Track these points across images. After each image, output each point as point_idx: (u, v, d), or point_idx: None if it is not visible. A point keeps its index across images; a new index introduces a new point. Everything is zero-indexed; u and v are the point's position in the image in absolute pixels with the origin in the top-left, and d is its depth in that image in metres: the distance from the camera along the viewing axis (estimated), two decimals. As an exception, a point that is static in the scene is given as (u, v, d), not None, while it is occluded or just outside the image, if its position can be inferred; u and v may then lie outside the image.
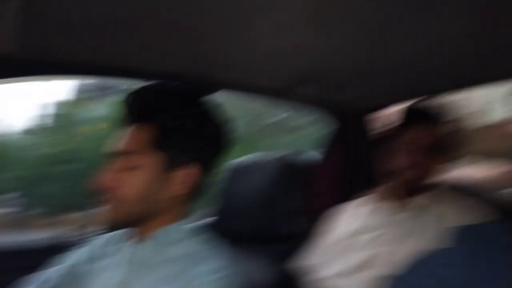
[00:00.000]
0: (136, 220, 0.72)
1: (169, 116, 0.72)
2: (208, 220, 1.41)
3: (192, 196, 0.74)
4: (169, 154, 0.71)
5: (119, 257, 0.75)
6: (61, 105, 4.00)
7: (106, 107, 3.68)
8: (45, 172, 3.48)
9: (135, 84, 0.79)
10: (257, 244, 1.07)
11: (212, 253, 0.70)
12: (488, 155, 2.46)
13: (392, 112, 1.31)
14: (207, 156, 0.74)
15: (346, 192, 1.19)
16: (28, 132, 3.78)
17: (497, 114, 3.44)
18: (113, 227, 0.76)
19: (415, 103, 1.11)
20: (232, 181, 1.16)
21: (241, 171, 1.14)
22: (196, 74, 1.05)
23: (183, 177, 0.71)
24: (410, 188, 1.01)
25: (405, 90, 1.26)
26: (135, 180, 0.69)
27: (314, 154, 1.41)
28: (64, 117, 3.86)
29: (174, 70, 1.03)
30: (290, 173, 1.08)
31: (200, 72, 1.05)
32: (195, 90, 0.78)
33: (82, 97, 4.21)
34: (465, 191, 1.05)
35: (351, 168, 1.40)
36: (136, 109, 0.74)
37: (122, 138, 0.73)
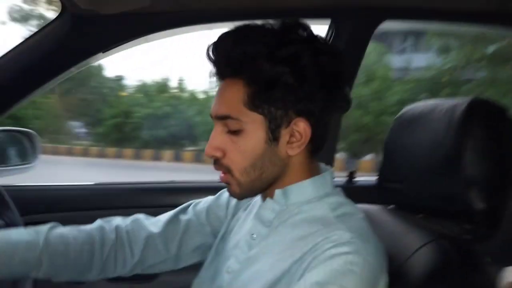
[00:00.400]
0: (258, 188, 0.67)
1: (261, 64, 0.60)
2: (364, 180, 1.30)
3: (312, 151, 0.66)
4: (269, 111, 0.62)
5: (249, 212, 0.74)
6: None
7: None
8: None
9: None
10: (430, 219, 0.81)
11: (340, 222, 0.61)
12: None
13: None
14: (317, 106, 0.62)
15: None
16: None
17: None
18: (238, 199, 0.71)
19: None
20: (398, 134, 0.90)
21: (411, 122, 0.86)
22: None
23: (292, 134, 0.63)
24: None
25: None
26: (240, 147, 0.63)
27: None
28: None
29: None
30: (485, 123, 0.73)
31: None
32: (302, 26, 0.63)
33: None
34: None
35: None
36: (222, 61, 0.63)
37: (216, 100, 0.65)
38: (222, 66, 0.63)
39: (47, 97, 13.18)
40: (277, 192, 0.66)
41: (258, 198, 0.72)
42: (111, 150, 10.09)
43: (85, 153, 10.39)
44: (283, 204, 0.66)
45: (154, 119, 9.66)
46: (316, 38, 0.64)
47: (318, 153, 0.67)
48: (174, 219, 0.80)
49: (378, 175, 0.93)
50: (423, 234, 0.73)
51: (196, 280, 0.76)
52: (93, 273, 0.75)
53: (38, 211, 1.14)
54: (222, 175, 0.66)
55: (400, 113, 0.93)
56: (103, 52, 1.03)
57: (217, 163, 0.65)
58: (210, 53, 0.64)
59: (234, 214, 0.78)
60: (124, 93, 11.52)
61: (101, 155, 10.09)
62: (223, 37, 0.63)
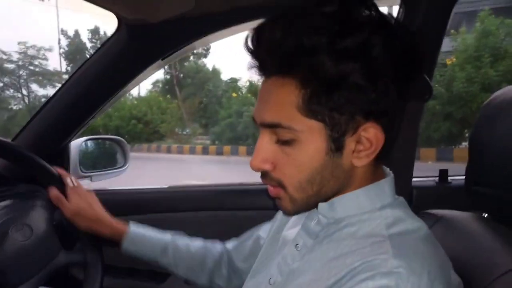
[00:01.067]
0: (314, 204, 0.56)
1: (321, 60, 0.47)
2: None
3: (380, 156, 0.53)
4: (331, 117, 0.49)
5: (299, 216, 0.64)
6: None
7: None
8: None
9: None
10: None
11: (391, 243, 0.48)
12: None
13: None
14: (391, 104, 0.50)
15: None
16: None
17: None
18: (289, 215, 0.62)
19: None
20: (486, 126, 0.72)
21: (502, 110, 0.69)
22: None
23: (359, 141, 0.51)
24: None
25: None
26: (294, 159, 0.52)
27: None
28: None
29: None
30: None
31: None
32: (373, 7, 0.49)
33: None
34: None
35: None
36: (268, 56, 0.50)
37: (261, 102, 0.54)
38: (268, 61, 0.51)
39: (170, 103, 14.76)
40: (322, 205, 0.56)
41: None
42: (227, 147, 10.73)
43: (204, 151, 11.25)
44: (330, 217, 0.56)
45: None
46: (387, 18, 0.50)
47: (387, 157, 0.55)
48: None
49: (465, 176, 0.76)
50: None
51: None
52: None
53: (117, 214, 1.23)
54: (272, 188, 0.56)
55: (488, 100, 0.74)
56: (162, 60, 1.05)
57: (266, 176, 0.55)
58: (250, 44, 0.51)
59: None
60: (235, 94, 12.12)
61: (219, 153, 10.80)
62: (268, 25, 0.50)
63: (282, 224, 0.70)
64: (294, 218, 0.67)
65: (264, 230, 0.80)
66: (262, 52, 0.51)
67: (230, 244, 0.87)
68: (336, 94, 0.48)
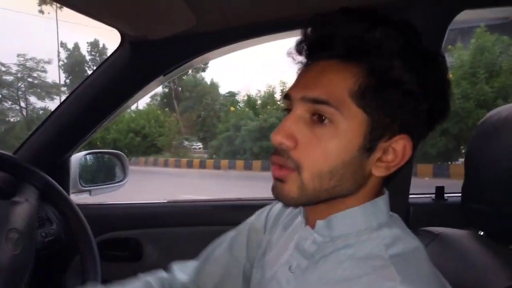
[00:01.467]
0: (320, 201, 0.52)
1: (392, 57, 0.48)
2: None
3: (390, 177, 0.53)
4: (378, 115, 0.48)
5: (291, 232, 0.61)
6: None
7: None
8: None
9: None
10: None
11: (395, 267, 0.47)
12: None
13: None
14: (422, 120, 0.50)
15: None
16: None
17: None
18: (287, 204, 0.54)
19: None
20: (481, 144, 0.74)
21: (497, 129, 0.70)
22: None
23: (387, 151, 0.50)
24: None
25: None
26: (324, 143, 0.49)
27: None
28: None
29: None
30: None
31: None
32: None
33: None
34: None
35: None
36: (342, 41, 0.49)
37: (307, 80, 0.51)
38: (339, 42, 0.49)
39: (169, 116, 14.80)
40: (319, 223, 0.54)
41: (300, 218, 0.61)
42: (224, 162, 10.72)
43: (202, 165, 11.23)
44: (327, 236, 0.54)
45: (262, 131, 9.99)
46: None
47: (396, 176, 0.54)
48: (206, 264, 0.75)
49: (461, 193, 0.77)
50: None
51: None
52: None
53: (110, 229, 1.23)
54: (279, 168, 0.51)
55: (483, 119, 0.76)
56: (163, 76, 1.07)
57: (283, 154, 0.50)
58: (319, 23, 0.51)
59: (272, 231, 0.67)
60: (233, 108, 12.17)
61: (216, 167, 10.79)
62: (346, 16, 0.50)
63: (271, 246, 0.66)
64: (280, 247, 0.63)
65: (239, 250, 0.73)
66: (337, 31, 0.49)
67: (185, 276, 0.76)
68: (391, 94, 0.48)
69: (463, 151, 7.27)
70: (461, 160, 7.39)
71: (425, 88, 0.49)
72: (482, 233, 0.75)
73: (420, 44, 0.50)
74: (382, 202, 0.54)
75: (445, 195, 1.13)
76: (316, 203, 0.53)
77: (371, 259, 0.49)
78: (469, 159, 0.76)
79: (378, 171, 0.51)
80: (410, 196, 1.06)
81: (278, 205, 0.71)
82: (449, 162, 7.69)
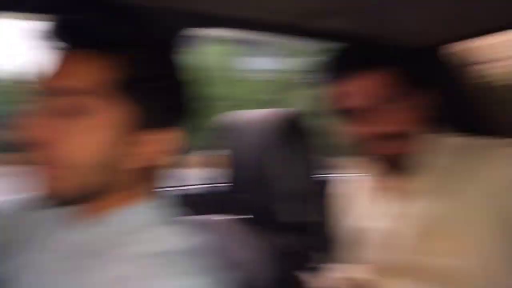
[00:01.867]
0: (86, 196, 0.48)
1: (146, 47, 0.48)
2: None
3: (163, 168, 0.53)
4: (140, 106, 0.47)
5: (53, 244, 0.52)
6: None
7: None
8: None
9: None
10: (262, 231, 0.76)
11: (183, 256, 0.46)
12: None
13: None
14: (192, 115, 0.52)
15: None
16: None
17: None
18: (53, 202, 0.48)
19: None
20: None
21: (232, 131, 0.81)
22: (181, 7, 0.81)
23: (156, 142, 0.49)
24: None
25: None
26: (84, 135, 0.45)
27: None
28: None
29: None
30: (297, 136, 0.75)
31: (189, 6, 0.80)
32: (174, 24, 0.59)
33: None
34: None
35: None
36: (85, 29, 0.46)
37: (67, 66, 0.47)
38: (91, 35, 0.46)
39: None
40: (90, 221, 0.50)
41: (62, 217, 0.53)
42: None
43: None
44: (97, 233, 0.50)
45: None
46: None
47: (166, 168, 0.54)
48: None
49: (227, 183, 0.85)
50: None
51: None
52: None
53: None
54: (39, 166, 0.47)
55: (222, 122, 0.85)
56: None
57: (38, 150, 0.46)
58: (70, 13, 0.47)
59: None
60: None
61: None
62: (95, 5, 0.47)
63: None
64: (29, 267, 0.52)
65: None
66: (87, 21, 0.47)
67: None
68: (150, 86, 0.49)
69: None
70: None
71: (179, 81, 0.51)
72: (245, 217, 0.79)
73: (169, 40, 0.54)
74: (153, 196, 0.53)
75: (216, 184, 1.07)
76: (82, 200, 0.49)
77: (143, 257, 0.46)
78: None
79: (144, 164, 0.49)
80: (184, 187, 1.11)
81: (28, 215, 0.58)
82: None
